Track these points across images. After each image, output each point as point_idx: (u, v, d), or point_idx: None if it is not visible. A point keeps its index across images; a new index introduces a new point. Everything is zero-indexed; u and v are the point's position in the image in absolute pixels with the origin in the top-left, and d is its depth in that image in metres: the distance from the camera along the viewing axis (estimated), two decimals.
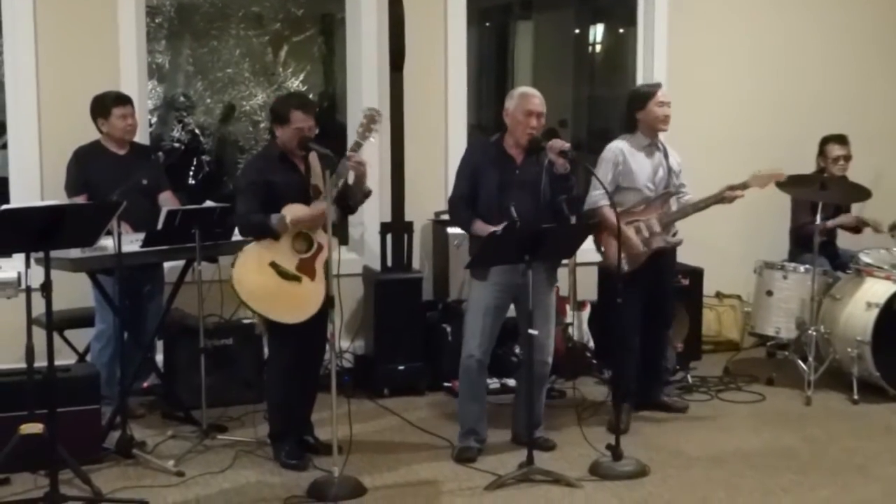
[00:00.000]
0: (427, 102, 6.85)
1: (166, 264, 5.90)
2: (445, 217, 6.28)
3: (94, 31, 6.25)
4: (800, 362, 6.49)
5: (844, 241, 7.15)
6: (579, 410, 5.67)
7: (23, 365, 4.59)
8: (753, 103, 7.54)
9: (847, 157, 6.89)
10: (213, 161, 8.73)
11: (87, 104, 5.72)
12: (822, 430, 5.78)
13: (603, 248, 5.79)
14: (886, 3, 7.89)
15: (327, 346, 4.78)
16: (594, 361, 6.73)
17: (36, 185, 6.18)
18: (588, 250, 5.76)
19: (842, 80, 7.71)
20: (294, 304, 4.90)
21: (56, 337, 5.30)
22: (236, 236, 5.47)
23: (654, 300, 5.81)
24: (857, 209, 7.14)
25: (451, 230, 6.38)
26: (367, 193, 5.17)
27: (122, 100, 5.72)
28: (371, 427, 5.76)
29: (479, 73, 9.20)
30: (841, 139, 6.93)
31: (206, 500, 4.74)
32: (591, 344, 6.75)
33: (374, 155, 6.16)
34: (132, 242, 5.25)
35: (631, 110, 5.80)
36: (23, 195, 6.15)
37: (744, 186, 5.73)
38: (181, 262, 5.70)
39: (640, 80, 7.55)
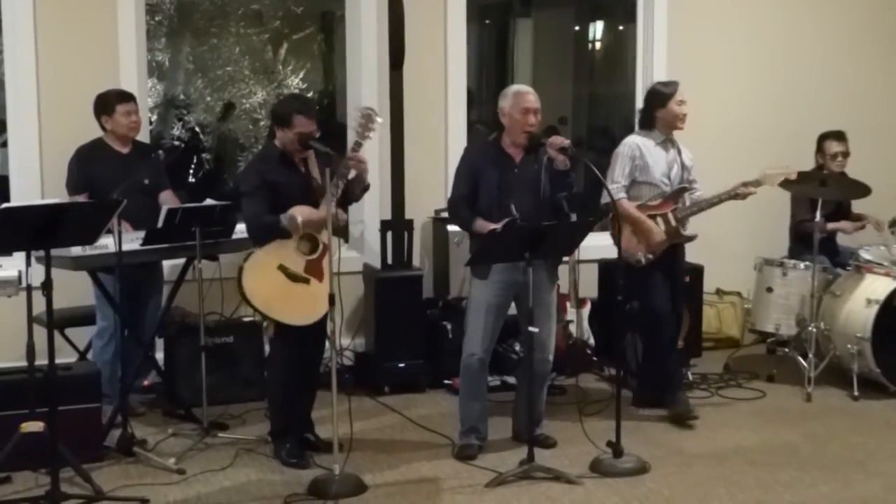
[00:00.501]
0: (427, 100, 6.85)
1: (167, 262, 5.90)
2: (446, 215, 6.28)
3: (94, 29, 6.26)
4: (800, 359, 6.49)
5: (844, 237, 7.15)
6: (580, 407, 5.67)
7: (24, 363, 4.59)
8: (752, 100, 7.55)
9: (845, 154, 6.89)
10: (213, 159, 8.73)
11: (88, 102, 5.72)
12: (823, 427, 5.78)
13: (621, 242, 5.77)
14: (885, 0, 7.90)
15: (327, 344, 4.79)
16: (595, 359, 6.74)
17: (36, 184, 6.19)
18: (588, 247, 5.77)
19: (840, 76, 7.72)
20: (304, 305, 4.90)
21: (57, 335, 5.29)
22: (237, 234, 5.49)
23: (668, 298, 5.84)
24: (856, 206, 7.14)
25: (452, 228, 6.38)
26: (366, 187, 5.17)
27: (126, 97, 5.72)
28: (372, 425, 5.76)
29: (479, 71, 9.20)
30: (839, 136, 6.92)
31: (207, 497, 4.74)
32: (592, 341, 6.76)
33: (373, 153, 6.16)
34: (132, 241, 5.26)
35: (650, 108, 5.82)
36: (23, 193, 6.15)
37: (757, 184, 5.80)
38: (182, 261, 5.71)
39: (639, 77, 7.57)
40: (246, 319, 6.12)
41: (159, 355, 6.04)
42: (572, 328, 6.69)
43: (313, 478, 4.79)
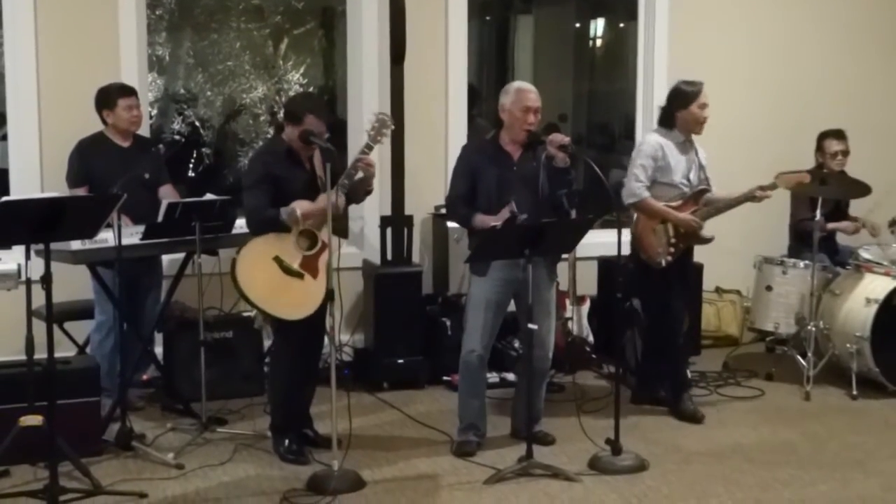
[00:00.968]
0: (427, 96, 6.85)
1: (166, 257, 5.90)
2: (445, 211, 6.28)
3: (94, 22, 6.25)
4: (799, 358, 6.50)
5: (844, 237, 7.15)
6: (579, 405, 5.68)
7: (23, 357, 4.59)
8: (753, 98, 7.54)
9: (845, 153, 6.88)
10: (214, 154, 8.73)
11: (88, 96, 5.71)
12: (821, 426, 5.78)
13: (642, 242, 5.77)
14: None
15: (326, 340, 4.78)
16: (593, 356, 6.74)
17: (36, 177, 6.18)
18: (588, 245, 5.76)
19: (841, 74, 7.72)
20: (294, 300, 4.88)
21: (56, 329, 5.29)
22: (236, 229, 5.48)
23: (681, 301, 5.88)
24: (855, 204, 7.14)
25: (451, 224, 6.37)
26: (369, 191, 5.17)
27: (127, 91, 5.71)
28: (370, 421, 5.76)
29: (480, 67, 9.19)
30: (839, 134, 6.92)
31: (206, 492, 4.74)
32: (591, 338, 6.76)
33: (374, 148, 6.15)
34: (132, 235, 5.26)
35: (671, 107, 5.76)
36: (23, 187, 6.15)
37: (773, 187, 5.80)
38: (181, 255, 5.70)
39: (640, 74, 7.57)
40: (245, 314, 6.11)
41: (158, 350, 6.04)
42: (571, 325, 6.70)
43: (312, 473, 4.80)
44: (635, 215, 5.81)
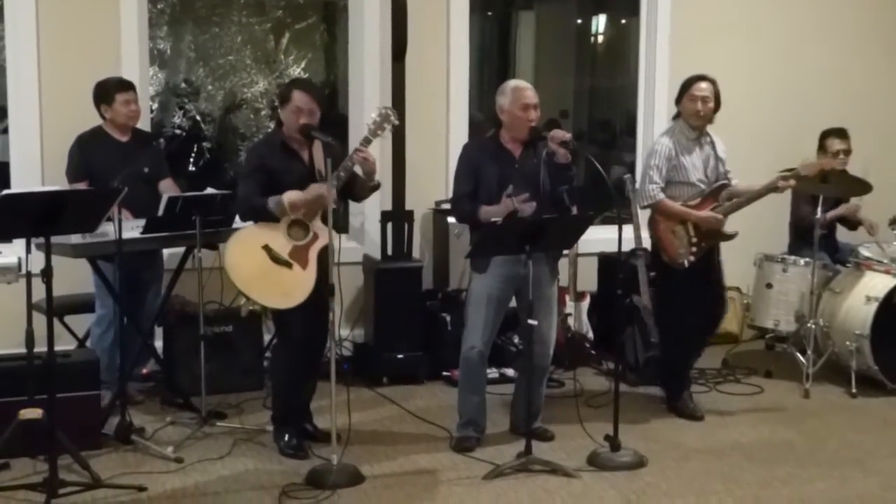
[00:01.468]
0: (428, 92, 6.85)
1: (166, 251, 5.90)
2: (446, 206, 6.28)
3: (95, 16, 6.25)
4: (798, 355, 6.50)
5: (844, 234, 7.15)
6: (578, 401, 5.68)
7: (23, 350, 4.59)
8: (754, 95, 7.54)
9: (847, 151, 6.88)
10: (214, 148, 8.72)
11: (89, 90, 5.71)
12: (821, 424, 5.79)
13: (661, 243, 5.75)
14: None
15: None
16: (593, 352, 6.74)
17: (37, 171, 6.18)
18: (588, 241, 5.76)
19: (843, 72, 7.71)
20: (280, 289, 4.87)
21: (56, 322, 5.30)
22: (237, 223, 5.47)
23: (709, 300, 5.85)
24: (856, 202, 7.13)
25: (452, 219, 6.37)
26: (375, 186, 5.15)
27: (125, 85, 5.70)
28: (370, 416, 5.77)
29: (481, 63, 9.18)
30: (841, 133, 6.91)
31: (205, 486, 4.75)
32: (591, 335, 6.76)
33: (375, 143, 6.13)
34: (133, 229, 5.26)
35: (676, 100, 5.77)
36: (23, 180, 6.15)
37: (796, 175, 5.73)
38: (181, 249, 5.70)
39: (641, 71, 7.57)
40: (251, 308, 6.10)
41: (158, 344, 6.05)
42: (571, 322, 6.70)
43: (311, 468, 4.80)
44: (652, 217, 5.79)
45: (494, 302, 5.21)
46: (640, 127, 7.63)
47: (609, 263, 6.87)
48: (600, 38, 9.88)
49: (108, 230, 5.02)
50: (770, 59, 7.59)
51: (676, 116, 5.80)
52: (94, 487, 4.56)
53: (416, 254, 6.70)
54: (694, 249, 5.67)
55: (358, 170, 5.00)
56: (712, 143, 5.79)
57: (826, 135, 6.95)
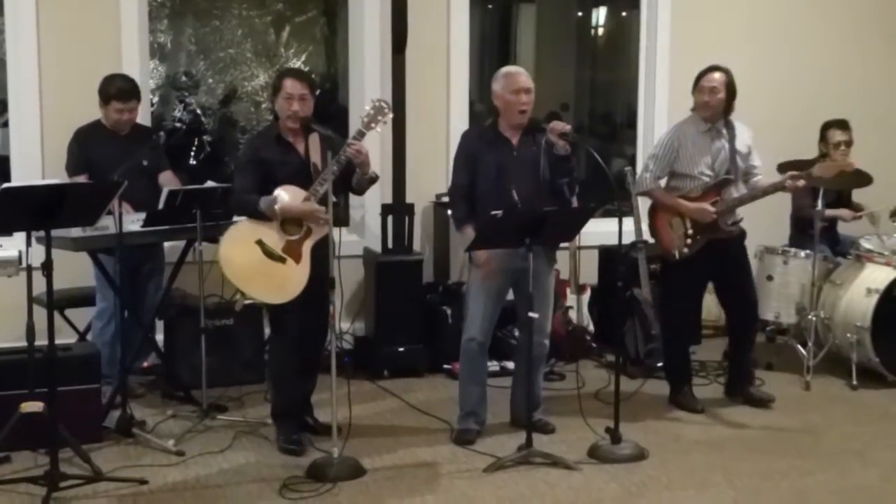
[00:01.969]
0: (429, 85, 6.84)
1: (167, 244, 5.90)
2: (446, 199, 6.27)
3: (96, 9, 6.24)
4: (799, 347, 6.50)
5: (845, 226, 7.14)
6: (585, 395, 5.67)
7: (23, 343, 4.60)
8: (756, 87, 7.48)
9: (848, 143, 6.86)
10: (215, 141, 8.72)
11: (89, 83, 5.70)
12: (821, 416, 5.79)
13: (657, 234, 5.76)
14: None
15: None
16: (594, 345, 6.75)
17: (37, 164, 6.18)
18: (589, 234, 5.76)
19: (844, 65, 7.70)
20: (274, 284, 4.87)
21: (57, 316, 5.30)
22: (237, 217, 5.47)
23: (734, 292, 5.82)
24: (857, 195, 7.12)
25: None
26: (374, 179, 5.13)
27: (125, 95, 5.60)
28: (370, 409, 5.77)
29: (482, 56, 9.17)
30: (842, 124, 6.90)
31: (206, 479, 4.75)
32: (591, 327, 6.76)
33: (375, 137, 6.12)
34: (133, 222, 5.26)
35: (692, 91, 5.75)
36: (24, 174, 6.15)
37: (808, 176, 5.65)
38: (182, 243, 5.70)
39: (642, 63, 7.55)
40: (246, 302, 6.10)
41: (159, 337, 6.05)
42: (572, 314, 6.70)
43: (312, 461, 4.81)
44: (652, 207, 5.80)
45: (493, 293, 5.22)
46: (640, 120, 7.62)
47: (610, 256, 6.87)
48: (601, 31, 9.87)
49: (108, 223, 5.02)
50: (772, 51, 7.57)
51: (694, 108, 5.78)
52: (96, 480, 4.57)
53: (416, 247, 6.70)
54: (689, 242, 5.66)
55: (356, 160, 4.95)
56: (730, 136, 5.71)
57: (827, 126, 6.93)
